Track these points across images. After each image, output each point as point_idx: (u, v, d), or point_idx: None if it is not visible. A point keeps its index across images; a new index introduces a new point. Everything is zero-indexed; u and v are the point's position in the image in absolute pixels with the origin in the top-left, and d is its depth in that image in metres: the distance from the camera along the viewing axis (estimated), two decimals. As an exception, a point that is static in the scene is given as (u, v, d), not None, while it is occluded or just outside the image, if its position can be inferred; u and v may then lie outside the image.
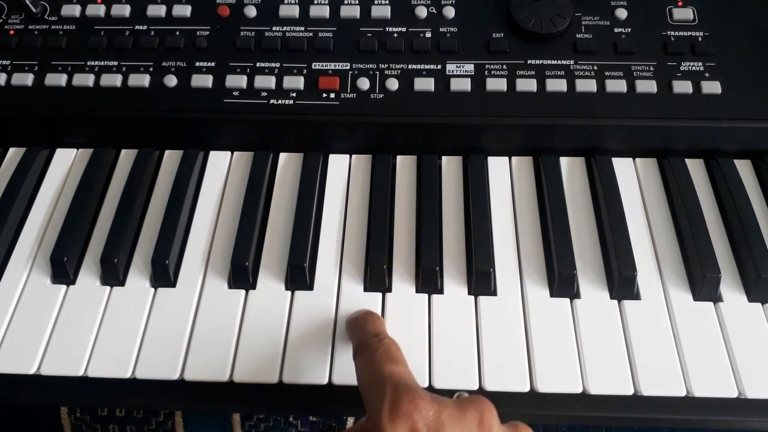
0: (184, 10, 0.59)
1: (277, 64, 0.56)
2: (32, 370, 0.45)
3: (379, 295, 0.48)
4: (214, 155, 0.57)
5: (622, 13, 0.58)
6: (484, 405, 0.34)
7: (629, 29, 0.57)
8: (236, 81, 0.55)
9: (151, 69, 0.56)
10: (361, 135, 0.56)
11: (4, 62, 0.57)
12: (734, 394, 0.44)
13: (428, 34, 0.57)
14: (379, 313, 0.47)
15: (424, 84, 0.55)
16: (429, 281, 0.48)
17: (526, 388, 0.44)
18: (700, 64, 0.55)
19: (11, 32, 0.59)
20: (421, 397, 0.34)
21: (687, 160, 0.55)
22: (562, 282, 0.48)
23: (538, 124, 0.54)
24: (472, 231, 0.51)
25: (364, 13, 0.58)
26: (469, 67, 0.56)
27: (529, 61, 0.56)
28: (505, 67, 0.56)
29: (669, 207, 0.53)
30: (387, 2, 0.59)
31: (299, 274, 0.49)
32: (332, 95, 0.55)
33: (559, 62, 0.56)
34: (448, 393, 0.44)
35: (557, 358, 0.45)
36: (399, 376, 0.36)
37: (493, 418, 0.34)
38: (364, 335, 0.41)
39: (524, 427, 0.35)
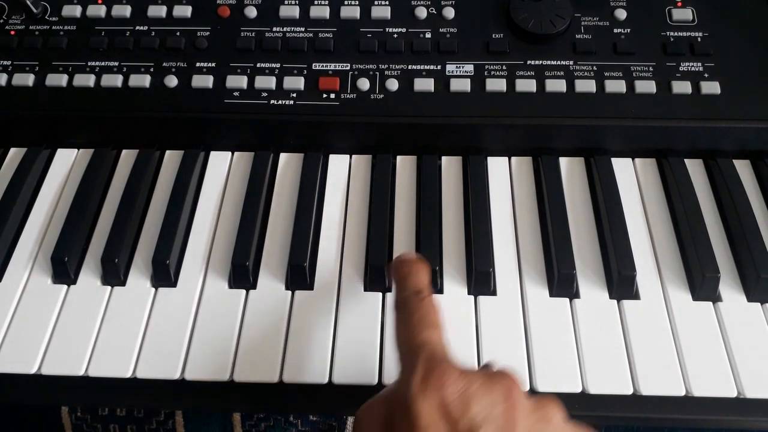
0: (184, 11, 0.59)
1: (278, 65, 0.56)
2: (33, 370, 0.46)
3: (379, 295, 0.48)
4: (214, 155, 0.57)
5: (621, 14, 0.58)
6: (511, 380, 0.35)
7: (629, 30, 0.57)
8: (236, 81, 0.55)
9: (151, 69, 0.57)
10: (361, 135, 0.56)
11: (5, 62, 0.57)
12: (733, 393, 0.44)
13: (428, 35, 0.57)
14: (379, 313, 0.47)
15: (424, 84, 0.55)
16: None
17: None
18: (700, 64, 0.55)
19: (12, 33, 0.59)
20: (452, 368, 0.34)
21: (686, 161, 0.55)
22: (561, 282, 0.48)
23: (538, 124, 0.54)
24: (472, 231, 0.51)
25: (364, 13, 0.58)
26: (469, 68, 0.56)
27: (528, 62, 0.56)
28: (504, 67, 0.56)
29: (668, 207, 0.53)
30: (387, 3, 0.59)
31: (299, 274, 0.49)
32: (332, 95, 0.55)
33: (559, 63, 0.56)
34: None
35: (556, 358, 0.45)
36: (433, 345, 0.37)
37: (520, 392, 0.34)
38: (405, 289, 0.41)
39: (550, 402, 0.35)
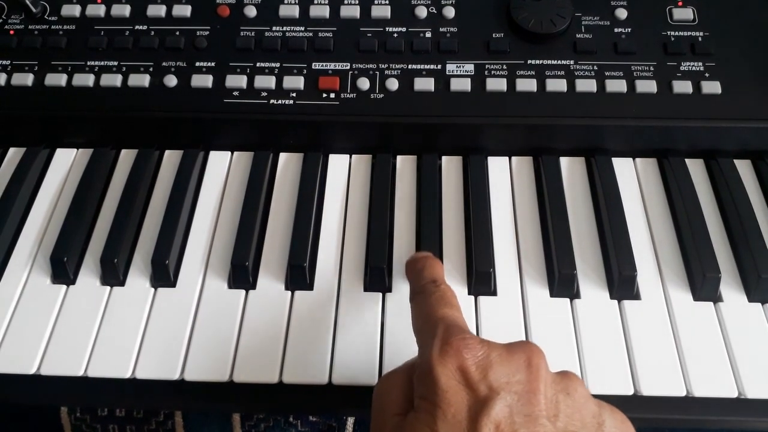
0: (184, 10, 0.59)
1: (277, 64, 0.56)
2: (32, 370, 0.45)
3: (379, 295, 0.48)
4: (214, 155, 0.57)
5: (622, 13, 0.58)
6: (533, 348, 0.34)
7: (629, 29, 0.57)
8: (236, 81, 0.55)
9: (151, 69, 0.56)
10: (361, 135, 0.56)
11: (4, 62, 0.57)
12: (734, 394, 0.44)
13: (428, 34, 0.57)
14: (379, 313, 0.47)
15: (424, 84, 0.55)
16: (429, 281, 0.48)
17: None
18: (700, 64, 0.55)
19: (11, 32, 0.59)
20: (472, 337, 0.34)
21: (687, 160, 0.55)
22: (562, 282, 0.48)
23: (538, 124, 0.54)
24: (472, 231, 0.51)
25: (364, 13, 0.58)
26: (469, 67, 0.56)
27: (529, 61, 0.56)
28: (505, 67, 0.56)
29: (669, 207, 0.53)
30: (387, 2, 0.59)
31: (299, 274, 0.49)
32: (332, 95, 0.55)
33: (559, 62, 0.56)
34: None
35: (556, 358, 0.45)
36: (452, 318, 0.37)
37: (542, 361, 0.34)
38: (421, 279, 0.42)
39: (573, 375, 0.35)
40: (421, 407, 0.33)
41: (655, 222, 0.52)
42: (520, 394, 0.32)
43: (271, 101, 0.55)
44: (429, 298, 0.40)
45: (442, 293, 0.40)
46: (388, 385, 0.36)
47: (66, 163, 0.57)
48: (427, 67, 0.56)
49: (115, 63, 0.57)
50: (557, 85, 0.54)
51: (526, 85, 0.55)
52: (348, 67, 0.56)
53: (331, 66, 0.56)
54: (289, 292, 0.49)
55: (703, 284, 0.47)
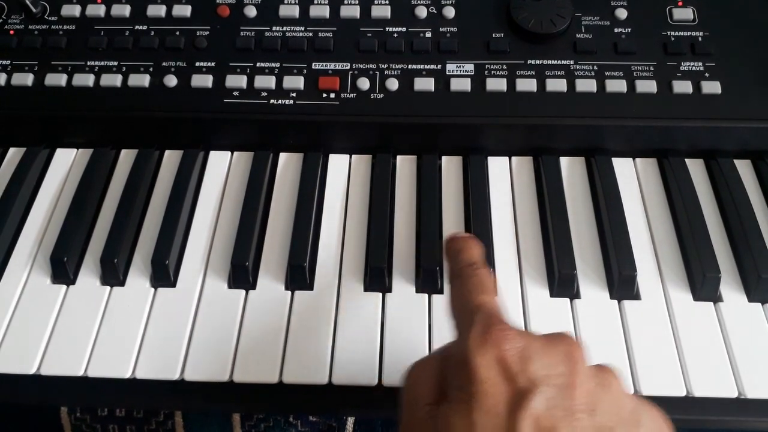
0: (184, 10, 0.59)
1: (277, 64, 0.56)
2: (32, 370, 0.45)
3: (379, 295, 0.48)
4: (214, 155, 0.57)
5: (622, 13, 0.58)
6: (572, 341, 0.34)
7: (629, 29, 0.57)
8: (236, 81, 0.55)
9: (151, 69, 0.56)
10: (361, 135, 0.56)
11: (4, 62, 0.57)
12: (734, 394, 0.44)
13: (428, 34, 0.57)
14: (379, 313, 0.47)
15: (424, 84, 0.55)
16: (429, 281, 0.48)
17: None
18: (700, 64, 0.55)
19: (11, 32, 0.59)
20: (510, 327, 0.34)
21: (687, 160, 0.55)
22: (562, 282, 0.48)
23: (538, 124, 0.54)
24: (472, 231, 0.51)
25: (364, 13, 0.58)
26: (469, 67, 0.56)
27: (529, 61, 0.56)
28: (505, 67, 0.56)
29: (669, 207, 0.53)
30: (387, 2, 0.59)
31: (299, 274, 0.49)
32: (332, 95, 0.55)
33: (559, 62, 0.56)
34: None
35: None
36: (490, 306, 0.36)
37: (581, 355, 0.33)
38: (459, 262, 0.41)
39: (610, 369, 0.35)
40: (457, 397, 0.33)
41: (655, 222, 0.52)
42: (560, 387, 0.32)
43: (271, 101, 0.55)
44: (466, 283, 0.38)
45: (479, 279, 0.39)
46: (420, 374, 0.36)
47: (66, 163, 0.57)
48: (427, 67, 0.56)
49: (115, 63, 0.57)
50: (557, 85, 0.54)
51: (526, 85, 0.55)
52: (348, 67, 0.56)
53: (331, 66, 0.56)
54: (289, 292, 0.49)
55: (703, 284, 0.47)
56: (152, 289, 0.49)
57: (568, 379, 0.32)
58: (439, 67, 0.56)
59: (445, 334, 0.46)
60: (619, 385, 0.34)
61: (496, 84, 0.55)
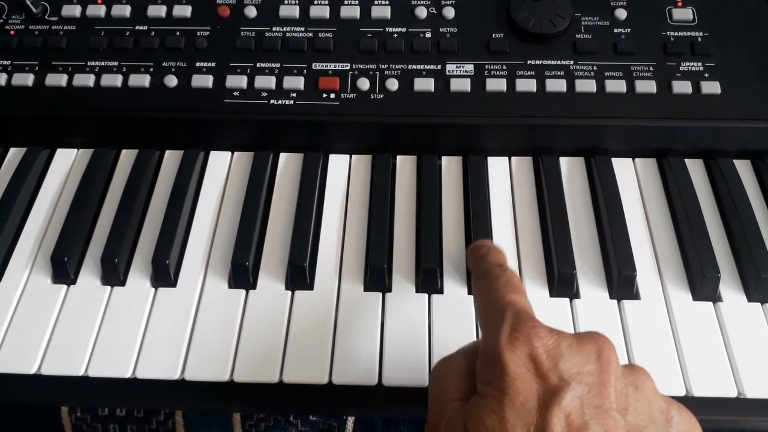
0: (184, 11, 0.59)
1: (277, 65, 0.56)
2: (33, 370, 0.45)
3: (379, 294, 0.48)
4: (214, 155, 0.57)
5: (621, 14, 0.58)
6: (603, 340, 0.34)
7: (629, 29, 0.57)
8: (236, 81, 0.55)
9: (151, 69, 0.56)
10: (361, 135, 0.56)
11: (5, 62, 0.57)
12: (734, 394, 0.44)
13: (428, 35, 0.57)
14: (379, 313, 0.47)
15: (424, 84, 0.55)
16: (429, 281, 0.48)
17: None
18: (700, 64, 0.55)
19: (12, 32, 0.59)
20: (541, 325, 0.34)
21: (687, 160, 0.55)
22: (561, 282, 0.48)
23: (538, 124, 0.54)
24: (471, 231, 0.51)
25: (364, 13, 0.58)
26: (469, 68, 0.56)
27: (528, 62, 0.56)
28: (504, 67, 0.56)
29: (668, 207, 0.53)
30: (387, 2, 0.59)
31: (299, 274, 0.49)
32: (332, 95, 0.55)
33: (559, 62, 0.56)
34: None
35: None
36: (520, 304, 0.36)
37: (612, 353, 0.33)
38: (486, 263, 0.41)
39: (642, 369, 0.35)
40: (488, 393, 0.32)
41: (654, 222, 0.52)
42: (591, 385, 0.32)
43: (271, 101, 0.55)
44: (495, 282, 0.38)
45: (509, 278, 0.38)
46: (447, 370, 0.36)
47: (66, 163, 0.57)
48: (427, 67, 0.56)
49: (116, 63, 0.57)
50: (557, 85, 0.54)
51: (526, 85, 0.55)
52: (348, 68, 0.56)
53: (331, 66, 0.56)
54: (289, 292, 0.49)
55: (702, 284, 0.47)
56: (152, 289, 0.49)
57: (599, 377, 0.32)
58: (439, 67, 0.56)
59: (444, 333, 0.46)
60: (651, 385, 0.34)
61: (496, 84, 0.55)
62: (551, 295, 0.48)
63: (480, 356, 0.34)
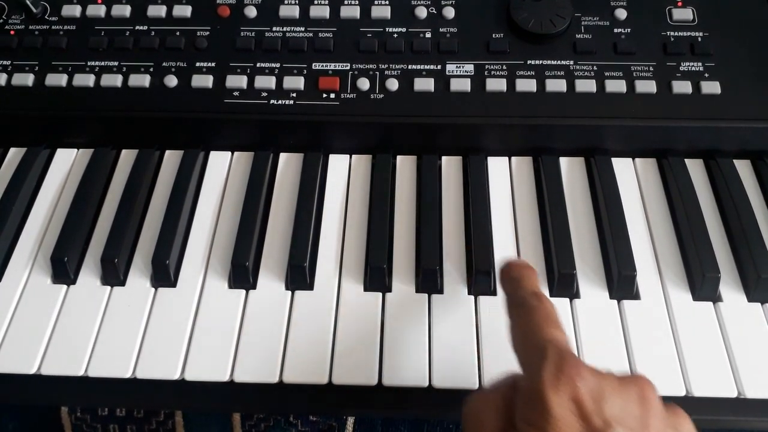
0: (184, 11, 0.59)
1: (277, 65, 0.56)
2: (32, 370, 0.45)
3: (379, 294, 0.48)
4: (214, 155, 0.57)
5: (621, 14, 0.58)
6: (645, 382, 0.34)
7: (629, 29, 0.57)
8: (236, 81, 0.55)
9: (151, 69, 0.56)
10: (361, 135, 0.56)
11: (5, 62, 0.57)
12: (734, 394, 0.44)
13: (428, 35, 0.57)
14: (379, 313, 0.47)
15: (424, 84, 0.55)
16: (429, 281, 0.48)
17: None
18: (700, 64, 0.55)
19: (12, 32, 0.59)
20: (585, 366, 0.34)
21: (687, 160, 0.55)
22: (561, 282, 0.48)
23: (538, 124, 0.54)
24: (472, 231, 0.51)
25: (364, 13, 0.58)
26: (469, 67, 0.56)
27: (528, 62, 0.56)
28: (504, 67, 0.56)
29: (668, 207, 0.53)
30: (387, 2, 0.59)
31: (299, 274, 0.49)
32: (332, 95, 0.55)
33: (559, 62, 0.56)
34: (448, 392, 0.44)
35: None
36: (561, 341, 0.36)
37: (655, 396, 0.34)
38: (521, 290, 0.41)
39: (681, 411, 0.35)
40: None
41: (654, 222, 0.52)
42: (633, 428, 0.32)
43: (271, 101, 0.55)
44: (534, 315, 0.38)
45: (547, 311, 0.38)
46: (484, 407, 0.35)
47: (66, 163, 0.57)
48: (427, 67, 0.56)
49: (116, 63, 0.57)
50: (557, 85, 0.54)
51: (526, 85, 0.55)
52: (348, 68, 0.56)
53: (331, 66, 0.56)
54: (289, 292, 0.49)
55: (702, 284, 0.47)
56: (152, 289, 0.49)
57: (642, 420, 0.32)
58: (439, 67, 0.56)
59: (445, 333, 0.46)
60: (689, 428, 0.34)
61: (496, 84, 0.55)
62: (551, 295, 0.48)
63: (520, 394, 0.34)
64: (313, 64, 0.56)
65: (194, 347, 0.46)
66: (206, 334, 0.47)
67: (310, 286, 0.49)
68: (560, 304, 0.48)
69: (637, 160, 0.56)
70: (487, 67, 0.56)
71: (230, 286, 0.49)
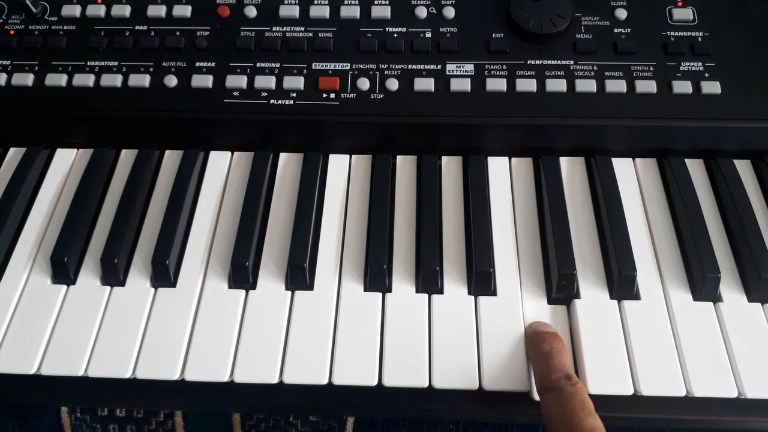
0: (184, 11, 0.59)
1: (277, 65, 0.56)
2: (32, 370, 0.45)
3: (379, 295, 0.48)
4: (214, 155, 0.57)
5: (622, 13, 0.58)
6: None
7: (629, 29, 0.57)
8: (236, 81, 0.55)
9: (151, 69, 0.56)
10: (361, 135, 0.56)
11: (5, 62, 0.57)
12: (734, 394, 0.44)
13: (428, 34, 0.57)
14: (379, 313, 0.47)
15: (424, 84, 0.55)
16: (429, 281, 0.48)
17: (527, 389, 0.44)
18: (700, 64, 0.55)
19: (11, 32, 0.59)
20: None
21: (687, 160, 0.55)
22: (562, 282, 0.48)
23: (538, 124, 0.54)
24: (472, 231, 0.51)
25: (364, 13, 0.58)
26: (469, 67, 0.56)
27: (529, 61, 0.56)
28: (505, 67, 0.56)
29: (669, 207, 0.53)
30: (387, 2, 0.59)
31: (299, 274, 0.49)
32: (332, 95, 0.55)
33: (559, 62, 0.56)
34: (448, 392, 0.44)
35: (557, 358, 0.45)
36: (600, 431, 0.37)
37: None
38: (552, 371, 0.41)
39: None
40: None
41: (654, 222, 0.52)
42: None
43: (271, 101, 0.55)
44: (569, 401, 0.38)
45: (582, 396, 0.39)
46: None
47: (66, 163, 0.57)
48: (427, 67, 0.56)
49: (116, 63, 0.57)
50: (557, 85, 0.54)
51: (526, 85, 0.55)
52: (348, 67, 0.56)
53: (331, 66, 0.56)
54: (289, 292, 0.49)
55: (702, 284, 0.47)
56: (152, 289, 0.49)
57: None
58: (439, 67, 0.56)
59: (445, 333, 0.46)
60: None
61: (496, 84, 0.55)
62: (551, 296, 0.48)
63: None
64: (313, 64, 0.56)
65: (194, 347, 0.46)
66: (206, 334, 0.47)
67: (309, 287, 0.49)
68: (560, 304, 0.48)
69: (637, 160, 0.56)
70: (487, 67, 0.56)
71: (230, 286, 0.49)
